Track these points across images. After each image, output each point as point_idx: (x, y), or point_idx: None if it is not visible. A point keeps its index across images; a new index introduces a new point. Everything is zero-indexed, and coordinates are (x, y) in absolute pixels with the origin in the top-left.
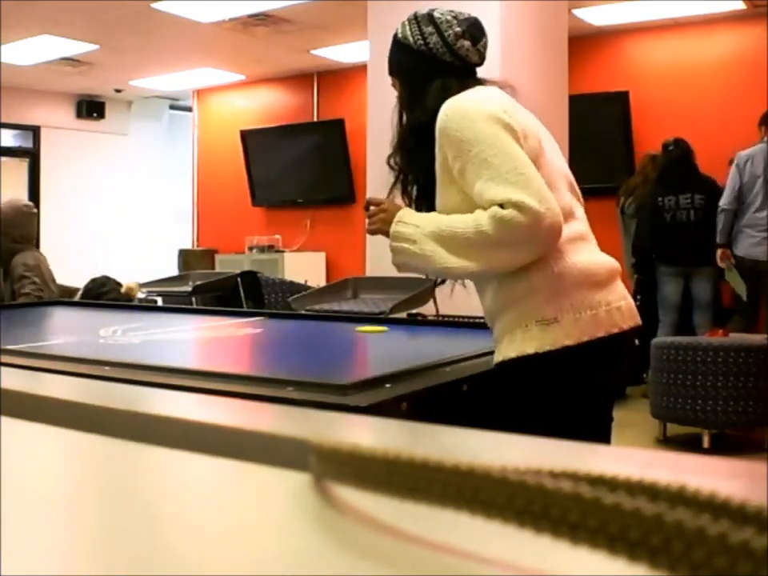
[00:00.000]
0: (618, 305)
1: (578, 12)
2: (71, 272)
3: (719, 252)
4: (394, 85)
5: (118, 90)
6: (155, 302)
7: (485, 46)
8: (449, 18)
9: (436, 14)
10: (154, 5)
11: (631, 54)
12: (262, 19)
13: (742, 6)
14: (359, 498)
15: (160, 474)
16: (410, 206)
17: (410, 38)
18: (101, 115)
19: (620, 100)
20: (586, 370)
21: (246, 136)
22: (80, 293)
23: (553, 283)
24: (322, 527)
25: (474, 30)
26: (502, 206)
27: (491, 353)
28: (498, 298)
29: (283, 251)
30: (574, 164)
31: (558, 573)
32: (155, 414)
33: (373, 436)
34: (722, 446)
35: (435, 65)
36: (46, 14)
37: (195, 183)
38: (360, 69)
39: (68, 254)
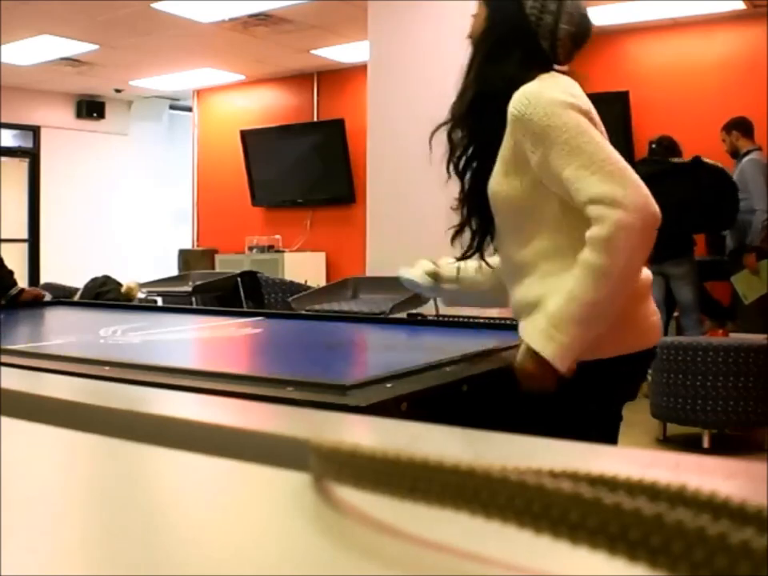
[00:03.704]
0: (654, 319)
1: None
2: (71, 272)
3: (753, 256)
4: (476, 12)
5: (118, 90)
6: (155, 301)
7: (579, 52)
8: (572, 12)
9: (567, 1)
10: (154, 5)
11: (631, 54)
12: (262, 19)
13: (741, 6)
14: (359, 498)
15: (160, 474)
16: (448, 168)
17: (529, 0)
18: (101, 115)
19: (620, 100)
20: (612, 383)
21: (246, 136)
22: (80, 292)
23: None
24: (322, 527)
25: (583, 38)
26: (596, 204)
27: (491, 353)
28: (534, 291)
29: (283, 251)
30: None
31: (558, 573)
32: (155, 414)
33: (373, 436)
34: (722, 446)
35: (531, 40)
36: (46, 13)
37: (195, 183)
38: (360, 69)
39: (68, 254)
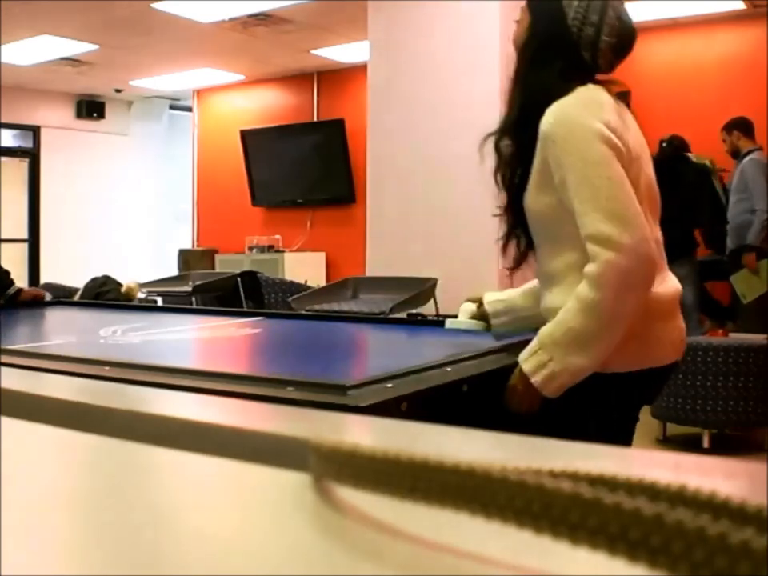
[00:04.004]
0: (673, 337)
1: None
2: (71, 272)
3: (752, 255)
4: (518, 21)
5: (118, 90)
6: (155, 301)
7: (621, 62)
8: (614, 23)
9: (609, 12)
10: (154, 5)
11: (631, 54)
12: (262, 19)
13: (741, 6)
14: (359, 498)
15: (160, 474)
16: (502, 185)
17: (571, 11)
18: (101, 115)
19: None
20: (629, 395)
21: (246, 136)
22: (80, 292)
23: None
24: (322, 527)
25: (625, 47)
26: (592, 242)
27: (491, 353)
28: (560, 300)
29: (283, 251)
30: None
31: (558, 573)
32: (155, 414)
33: (373, 436)
34: (722, 446)
35: (572, 51)
36: (46, 13)
37: (195, 183)
38: (360, 69)
39: (68, 254)
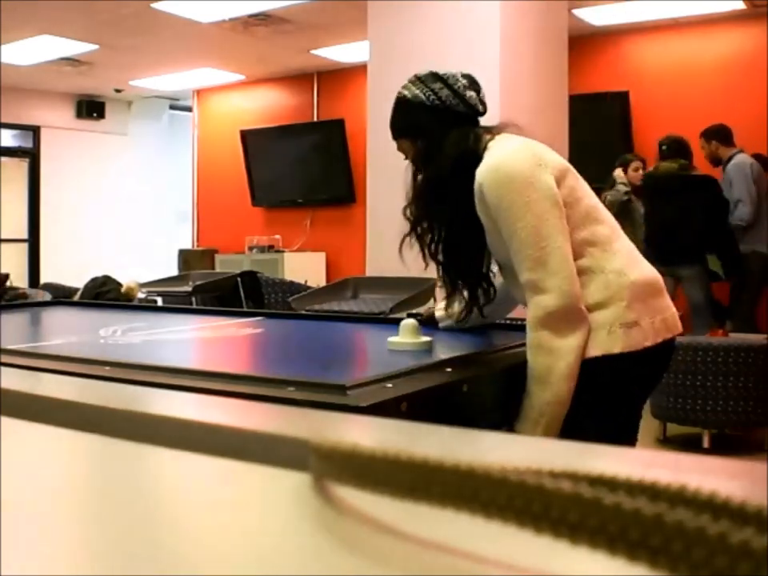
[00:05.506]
0: (673, 311)
1: (577, 12)
2: (71, 272)
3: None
4: (401, 148)
5: (118, 90)
6: (155, 301)
7: (484, 97)
8: (452, 72)
9: (440, 72)
10: (154, 5)
11: (631, 54)
12: (262, 19)
13: (741, 5)
14: (359, 498)
15: (160, 474)
16: (424, 257)
17: (422, 96)
18: (101, 115)
19: (620, 100)
20: (656, 368)
21: (246, 136)
22: (80, 292)
23: (631, 291)
24: (322, 527)
25: (474, 83)
26: (526, 289)
27: (491, 353)
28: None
29: (283, 251)
30: (573, 164)
31: (558, 573)
32: (155, 414)
33: (373, 436)
34: (722, 446)
35: (450, 117)
36: (46, 13)
37: (195, 183)
38: (360, 69)
39: (68, 254)
